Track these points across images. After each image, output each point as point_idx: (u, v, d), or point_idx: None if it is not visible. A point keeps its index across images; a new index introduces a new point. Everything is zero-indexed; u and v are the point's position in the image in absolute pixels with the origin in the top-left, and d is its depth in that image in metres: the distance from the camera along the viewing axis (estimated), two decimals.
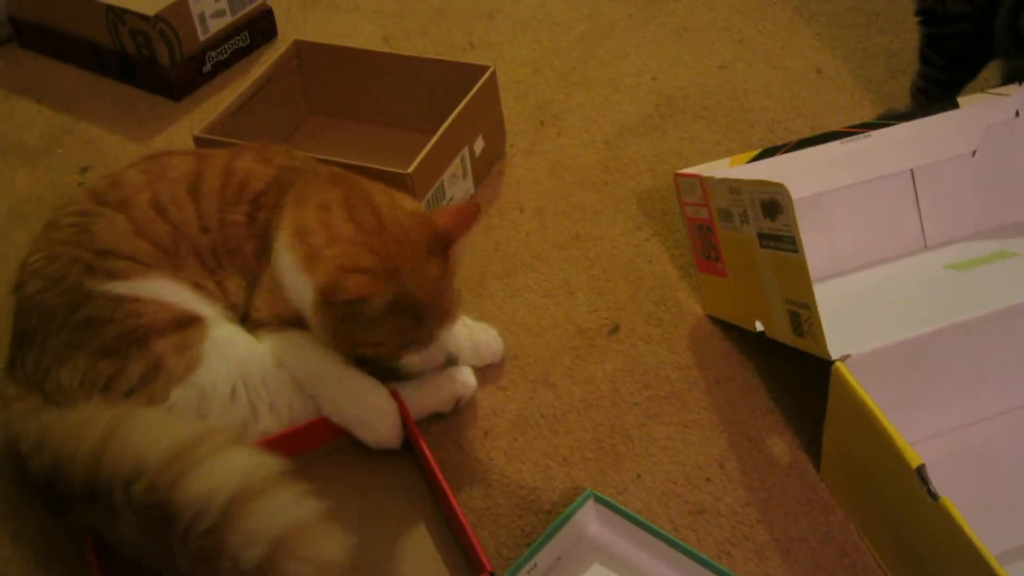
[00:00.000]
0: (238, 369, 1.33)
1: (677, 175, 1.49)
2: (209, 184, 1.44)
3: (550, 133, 1.93)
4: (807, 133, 1.85)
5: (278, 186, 1.43)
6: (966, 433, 1.33)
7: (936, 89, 1.75)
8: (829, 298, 1.40)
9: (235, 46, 2.20)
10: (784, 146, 1.51)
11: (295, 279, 1.33)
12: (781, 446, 1.37)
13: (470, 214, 1.35)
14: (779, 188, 1.21)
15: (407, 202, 1.41)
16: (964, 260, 1.45)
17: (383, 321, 1.29)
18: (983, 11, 1.61)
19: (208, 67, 2.16)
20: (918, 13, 1.73)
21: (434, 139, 1.65)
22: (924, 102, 1.76)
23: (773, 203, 1.23)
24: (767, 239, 1.28)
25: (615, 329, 1.55)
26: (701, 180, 1.42)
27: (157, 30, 2.05)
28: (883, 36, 2.10)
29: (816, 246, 1.52)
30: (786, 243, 1.23)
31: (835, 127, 1.56)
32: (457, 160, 1.73)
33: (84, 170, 1.96)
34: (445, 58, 1.95)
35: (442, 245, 1.32)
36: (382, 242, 1.30)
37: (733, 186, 1.33)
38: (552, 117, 1.97)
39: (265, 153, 1.50)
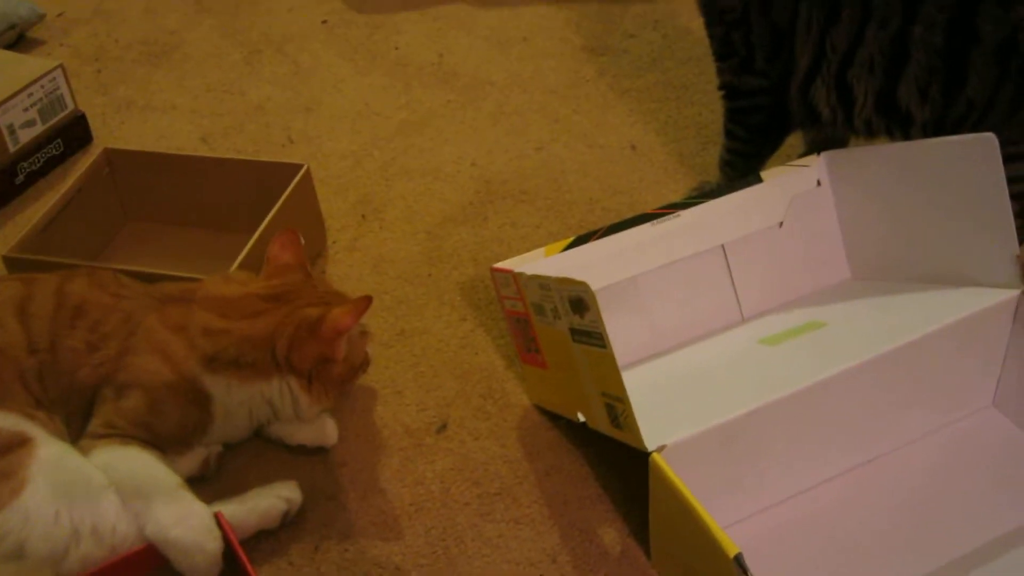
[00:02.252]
0: (64, 491, 1.29)
1: (493, 270, 1.50)
2: (39, 306, 1.42)
3: (372, 227, 1.93)
4: (625, 210, 1.88)
5: (119, 314, 1.44)
6: (789, 506, 1.36)
7: (742, 161, 1.80)
8: (648, 382, 1.43)
9: (48, 155, 2.15)
10: (597, 232, 1.53)
11: (246, 391, 1.43)
12: (612, 535, 1.37)
13: (291, 236, 1.56)
14: (583, 287, 1.22)
15: (242, 275, 1.54)
16: (777, 333, 1.48)
17: (358, 329, 1.48)
18: (778, 85, 1.67)
19: (21, 178, 2.10)
20: (720, 88, 1.78)
21: (250, 243, 1.64)
22: (732, 174, 1.81)
23: (579, 300, 1.25)
24: (578, 334, 1.29)
25: (443, 427, 1.54)
26: (514, 275, 1.43)
27: None
28: (692, 108, 2.15)
29: (635, 328, 1.55)
30: (595, 339, 1.24)
31: (651, 202, 1.60)
32: None
33: None
34: (264, 154, 1.94)
35: (303, 267, 1.53)
36: (293, 298, 1.45)
37: (543, 283, 1.35)
38: (373, 211, 1.97)
39: (96, 278, 1.50)
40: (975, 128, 1.48)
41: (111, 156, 1.91)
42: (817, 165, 1.62)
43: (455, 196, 1.99)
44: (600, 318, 1.21)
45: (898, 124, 1.56)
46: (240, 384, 1.42)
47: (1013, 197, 1.34)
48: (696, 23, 2.26)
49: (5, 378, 1.36)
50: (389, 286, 1.79)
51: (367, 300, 1.42)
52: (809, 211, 1.62)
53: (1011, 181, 1.33)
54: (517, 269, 1.44)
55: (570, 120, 2.16)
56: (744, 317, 1.61)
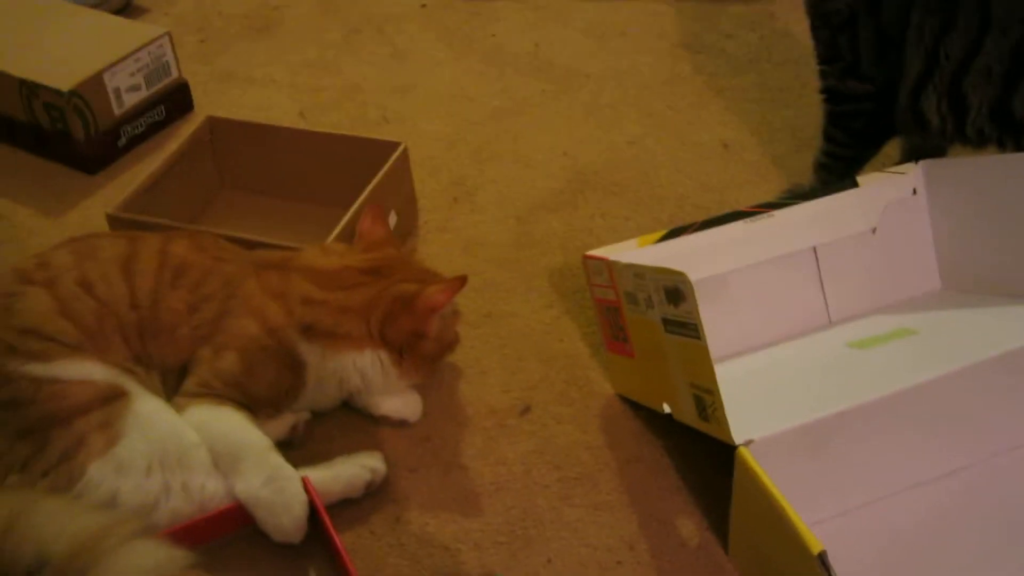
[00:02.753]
0: (157, 446, 1.33)
1: (585, 257, 1.52)
2: (144, 264, 1.47)
3: (463, 209, 1.95)
4: (715, 208, 1.89)
5: (219, 277, 1.47)
6: (870, 511, 1.35)
7: (839, 165, 1.80)
8: (735, 378, 1.43)
9: (151, 120, 2.20)
10: (691, 226, 1.54)
11: (339, 361, 1.46)
12: (690, 527, 1.38)
13: (380, 211, 1.60)
14: (681, 277, 1.23)
15: (339, 247, 1.57)
16: (866, 338, 1.48)
17: (450, 308, 1.53)
18: (884, 90, 1.67)
19: (124, 141, 2.15)
20: (822, 91, 1.78)
21: (347, 215, 1.67)
22: (827, 178, 1.81)
23: (676, 291, 1.26)
24: (671, 325, 1.30)
25: (527, 409, 1.56)
26: (608, 263, 1.45)
27: (71, 105, 2.04)
28: (788, 111, 2.15)
29: (723, 325, 1.55)
30: (690, 330, 1.25)
31: (742, 201, 1.60)
32: None
33: None
34: (360, 132, 1.97)
35: (394, 242, 1.59)
36: (389, 273, 1.49)
37: (638, 272, 1.36)
38: (465, 193, 1.99)
39: (198, 241, 1.54)
40: None
41: (213, 124, 1.95)
42: (914, 173, 1.61)
43: (546, 184, 2.01)
44: (696, 309, 1.22)
45: (1011, 133, 1.55)
46: (334, 353, 1.45)
47: None
48: (795, 26, 2.28)
49: (106, 331, 1.40)
50: (478, 268, 1.81)
51: (462, 280, 1.45)
52: (903, 219, 1.62)
53: None
54: (611, 257, 1.45)
55: (664, 116, 2.17)
56: (832, 320, 1.61)
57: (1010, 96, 1.52)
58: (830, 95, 1.77)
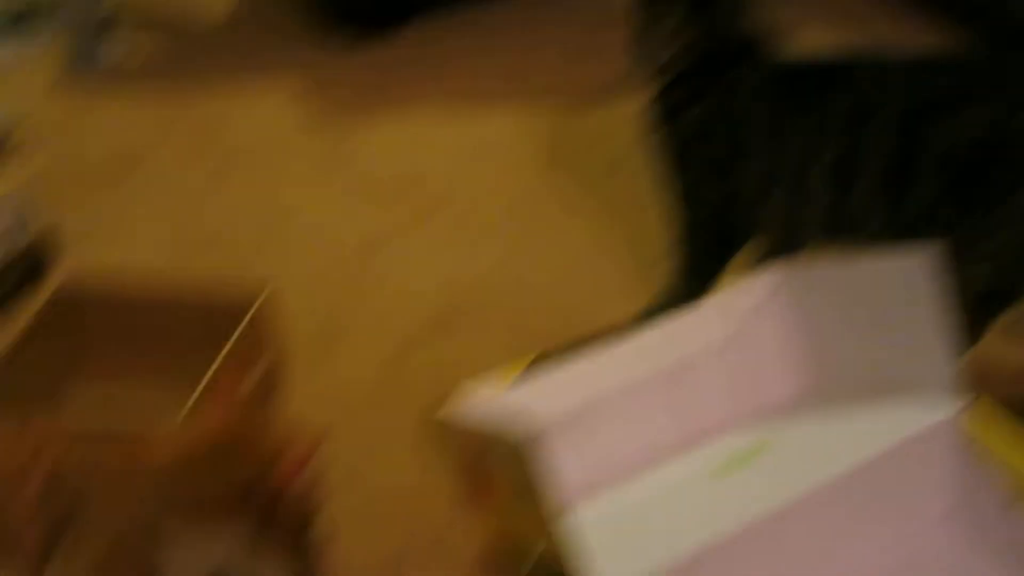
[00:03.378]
0: None
1: (445, 408, 1.49)
2: None
3: (331, 352, 1.93)
4: (586, 327, 1.86)
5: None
6: None
7: (695, 275, 1.81)
8: (597, 518, 1.40)
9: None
10: (549, 355, 1.54)
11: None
12: None
13: (232, 376, 1.56)
14: (522, 437, 1.22)
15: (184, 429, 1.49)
16: (726, 461, 1.46)
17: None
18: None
19: None
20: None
21: (198, 389, 1.61)
22: (683, 289, 1.82)
23: (518, 450, 1.24)
24: (522, 484, 1.28)
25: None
26: (462, 418, 1.43)
27: None
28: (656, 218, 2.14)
29: (584, 461, 1.51)
30: (534, 491, 1.23)
31: (615, 317, 1.57)
32: None
33: None
34: (226, 274, 1.93)
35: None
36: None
37: (488, 428, 1.34)
38: (334, 333, 1.98)
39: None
40: None
41: (58, 299, 1.89)
42: (764, 280, 1.60)
43: (417, 315, 2.00)
44: (539, 473, 1.20)
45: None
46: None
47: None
48: None
49: None
50: (342, 418, 1.77)
51: (315, 445, 1.39)
52: (760, 326, 1.61)
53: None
54: (467, 410, 1.44)
55: (531, 234, 2.19)
56: (693, 440, 1.57)
57: None
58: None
